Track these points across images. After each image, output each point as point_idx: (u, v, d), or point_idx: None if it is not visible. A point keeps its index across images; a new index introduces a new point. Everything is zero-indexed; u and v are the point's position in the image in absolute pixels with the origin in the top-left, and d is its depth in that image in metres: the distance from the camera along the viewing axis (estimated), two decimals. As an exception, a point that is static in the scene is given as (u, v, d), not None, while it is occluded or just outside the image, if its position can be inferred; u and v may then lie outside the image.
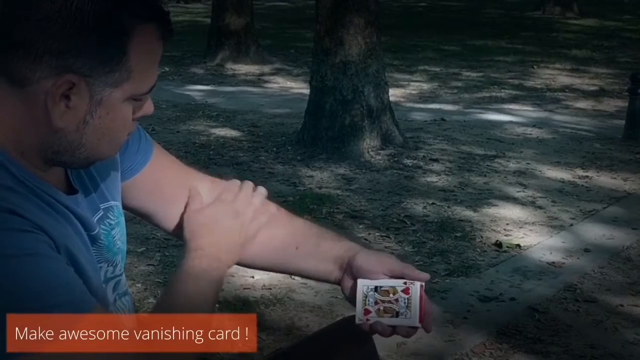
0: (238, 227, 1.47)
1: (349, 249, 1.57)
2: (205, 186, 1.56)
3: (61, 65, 1.18)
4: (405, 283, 1.46)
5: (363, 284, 1.50)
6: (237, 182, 1.54)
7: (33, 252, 1.15)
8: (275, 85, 9.99)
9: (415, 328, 1.46)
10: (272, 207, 1.59)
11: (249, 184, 1.54)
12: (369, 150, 6.30)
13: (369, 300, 1.48)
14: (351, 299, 1.53)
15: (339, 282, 1.59)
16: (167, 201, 1.54)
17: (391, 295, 1.47)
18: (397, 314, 1.45)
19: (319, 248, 1.59)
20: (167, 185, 1.54)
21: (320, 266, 1.59)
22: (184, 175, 1.57)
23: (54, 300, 1.15)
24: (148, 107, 1.32)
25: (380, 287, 1.47)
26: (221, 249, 1.43)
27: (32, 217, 1.18)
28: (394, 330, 1.46)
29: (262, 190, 1.55)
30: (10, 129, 1.22)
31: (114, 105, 1.23)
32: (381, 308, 1.46)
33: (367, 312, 1.48)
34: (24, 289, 1.13)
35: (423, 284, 1.47)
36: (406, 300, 1.45)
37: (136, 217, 1.55)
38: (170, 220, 1.56)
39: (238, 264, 1.54)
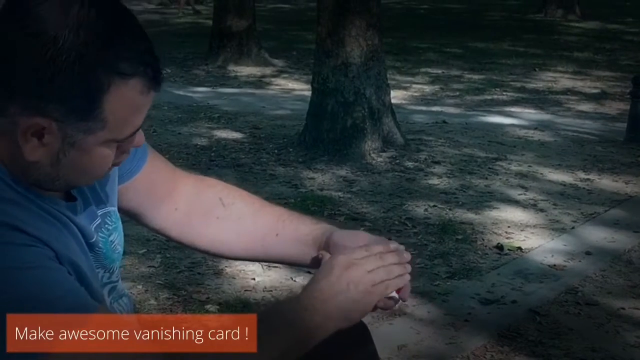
0: (370, 297, 1.38)
1: (326, 230, 1.58)
2: (189, 184, 1.59)
3: (33, 107, 1.16)
4: None
5: None
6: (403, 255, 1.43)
7: (36, 264, 1.16)
8: (276, 87, 9.99)
9: (392, 298, 1.45)
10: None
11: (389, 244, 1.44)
12: (371, 152, 6.30)
13: None
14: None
15: (310, 265, 1.59)
16: (158, 201, 1.56)
17: None
18: None
19: (298, 232, 1.59)
20: (160, 186, 1.56)
21: (300, 249, 1.59)
22: (172, 176, 1.59)
23: (59, 308, 1.15)
24: (138, 141, 1.29)
25: None
26: (339, 318, 1.35)
27: (33, 232, 1.18)
28: None
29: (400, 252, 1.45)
30: (1, 150, 1.23)
31: (88, 149, 1.21)
32: None
33: None
34: (29, 299, 1.14)
35: None
36: None
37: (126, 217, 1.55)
38: (160, 219, 1.58)
39: (221, 256, 1.55)
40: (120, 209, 1.52)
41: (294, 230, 1.59)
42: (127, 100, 1.19)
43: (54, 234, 1.22)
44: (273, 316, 1.31)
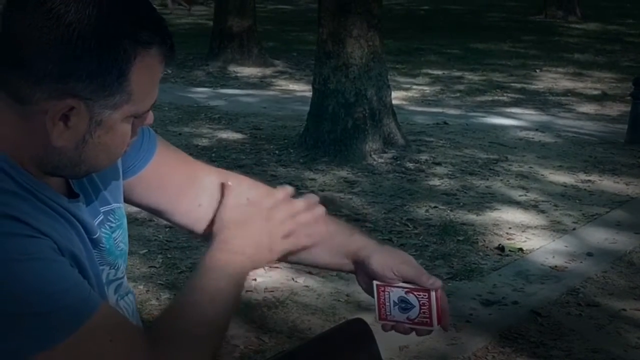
0: (268, 229, 1.43)
1: (363, 247, 1.59)
2: (212, 179, 1.56)
3: (61, 89, 1.17)
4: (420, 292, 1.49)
5: (379, 288, 1.52)
6: (285, 189, 1.49)
7: (37, 256, 1.16)
8: (277, 87, 9.99)
9: (432, 329, 1.49)
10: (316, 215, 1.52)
11: (286, 190, 1.49)
12: (372, 153, 6.29)
13: (387, 305, 1.50)
14: (369, 291, 1.57)
15: (353, 272, 1.62)
16: (174, 196, 1.54)
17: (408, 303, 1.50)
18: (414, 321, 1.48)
19: (333, 242, 1.60)
20: (173, 181, 1.54)
21: (334, 260, 1.62)
22: (190, 169, 1.57)
23: (61, 302, 1.15)
24: (149, 119, 1.32)
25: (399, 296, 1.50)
26: (247, 245, 1.40)
27: (36, 224, 1.18)
28: (413, 329, 1.51)
29: (309, 203, 1.49)
30: (10, 141, 1.22)
31: (113, 125, 1.23)
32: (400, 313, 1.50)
33: (385, 316, 1.51)
34: (32, 291, 1.14)
35: (439, 290, 1.49)
36: (423, 307, 1.48)
37: (141, 217, 1.55)
38: (180, 215, 1.56)
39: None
40: (137, 205, 1.53)
41: (329, 239, 1.59)
42: (150, 69, 1.23)
43: (56, 227, 1.22)
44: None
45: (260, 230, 1.42)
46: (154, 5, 1.26)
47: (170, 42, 1.26)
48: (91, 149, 1.23)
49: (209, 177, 1.56)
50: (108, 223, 1.39)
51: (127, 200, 1.51)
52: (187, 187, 1.54)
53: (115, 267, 1.39)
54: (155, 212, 1.57)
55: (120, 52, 1.18)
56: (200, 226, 1.56)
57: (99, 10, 1.16)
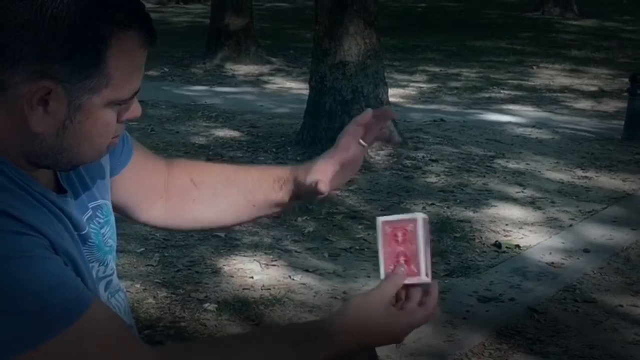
0: (383, 340, 1.37)
1: (286, 169, 1.66)
2: (163, 170, 1.59)
3: (37, 71, 1.16)
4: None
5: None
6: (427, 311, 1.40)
7: (29, 254, 1.15)
8: (274, 85, 9.99)
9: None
10: None
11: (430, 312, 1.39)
12: (369, 150, 6.29)
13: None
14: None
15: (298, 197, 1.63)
16: (150, 191, 1.57)
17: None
18: None
19: (266, 184, 1.64)
20: (148, 177, 1.56)
21: (280, 195, 1.64)
22: (156, 164, 1.60)
23: (54, 299, 1.14)
24: (135, 110, 1.29)
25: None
26: (351, 341, 1.33)
27: (27, 219, 1.17)
28: None
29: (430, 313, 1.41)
30: None
31: (93, 111, 1.21)
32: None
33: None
34: (23, 289, 1.13)
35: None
36: None
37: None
38: (149, 212, 1.58)
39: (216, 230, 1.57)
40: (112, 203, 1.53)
41: (263, 190, 1.62)
42: (128, 53, 1.21)
43: (47, 223, 1.21)
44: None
45: (380, 341, 1.37)
46: (145, 5, 1.25)
47: (148, 26, 1.22)
48: (72, 136, 1.22)
49: (161, 169, 1.59)
50: (96, 219, 1.38)
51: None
52: (157, 183, 1.57)
53: (105, 264, 1.39)
54: (123, 209, 1.58)
55: (96, 33, 1.17)
56: (160, 220, 1.61)
57: None
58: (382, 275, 1.38)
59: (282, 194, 1.62)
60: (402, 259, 1.40)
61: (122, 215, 1.58)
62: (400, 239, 1.42)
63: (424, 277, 1.37)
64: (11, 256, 1.13)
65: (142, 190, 1.57)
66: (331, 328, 1.32)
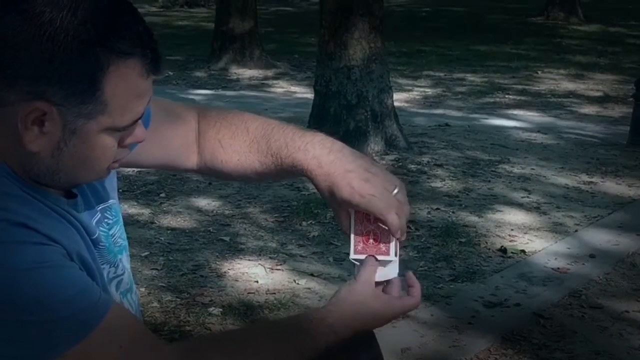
0: (374, 324, 1.42)
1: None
2: (194, 125, 1.58)
3: (33, 92, 1.15)
4: None
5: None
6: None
7: (50, 263, 1.15)
8: (279, 89, 10.00)
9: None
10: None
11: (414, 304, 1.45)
12: (373, 155, 6.29)
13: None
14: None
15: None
16: (181, 149, 1.56)
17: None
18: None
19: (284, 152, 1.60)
20: (173, 140, 1.54)
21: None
22: (179, 126, 1.57)
23: (77, 306, 1.15)
24: (138, 135, 1.27)
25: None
26: (347, 328, 1.38)
27: (44, 230, 1.17)
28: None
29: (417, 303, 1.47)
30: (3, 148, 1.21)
31: (89, 136, 1.20)
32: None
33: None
34: (44, 299, 1.14)
35: None
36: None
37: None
38: (189, 163, 1.57)
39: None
40: (147, 166, 1.54)
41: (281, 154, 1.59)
42: (127, 82, 1.18)
43: (62, 231, 1.22)
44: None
45: (369, 324, 1.42)
46: (150, 9, 1.23)
47: (152, 55, 1.19)
48: (68, 159, 1.21)
49: (193, 124, 1.58)
50: (105, 220, 1.38)
51: (138, 165, 1.54)
52: (185, 133, 1.56)
53: (115, 265, 1.39)
54: (165, 167, 1.60)
55: (92, 60, 1.14)
56: (202, 171, 1.62)
57: (73, 14, 1.13)
58: (352, 253, 1.45)
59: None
60: (371, 238, 1.45)
61: (166, 169, 1.60)
62: (372, 218, 1.44)
63: (393, 256, 1.42)
64: (36, 267, 1.14)
65: (172, 151, 1.55)
66: (328, 318, 1.37)
